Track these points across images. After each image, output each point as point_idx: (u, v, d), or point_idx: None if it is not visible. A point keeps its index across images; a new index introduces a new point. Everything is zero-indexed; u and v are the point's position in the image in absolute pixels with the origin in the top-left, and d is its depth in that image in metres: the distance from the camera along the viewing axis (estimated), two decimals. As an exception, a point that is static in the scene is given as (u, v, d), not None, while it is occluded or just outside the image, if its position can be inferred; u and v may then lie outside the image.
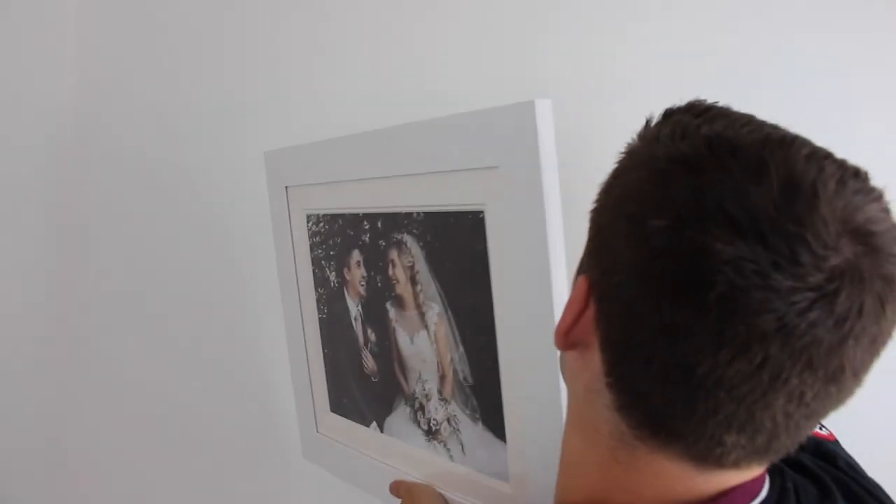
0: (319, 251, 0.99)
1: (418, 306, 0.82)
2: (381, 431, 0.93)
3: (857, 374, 0.38)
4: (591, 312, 0.44)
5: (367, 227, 0.88)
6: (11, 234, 1.53)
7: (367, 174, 0.85)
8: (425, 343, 0.82)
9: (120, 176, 1.54)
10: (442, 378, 0.81)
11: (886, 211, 0.38)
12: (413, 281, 0.82)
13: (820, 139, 0.63)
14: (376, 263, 0.87)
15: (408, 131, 0.77)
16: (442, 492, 0.81)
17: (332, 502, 1.24)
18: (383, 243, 0.85)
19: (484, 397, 0.75)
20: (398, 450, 0.90)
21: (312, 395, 1.06)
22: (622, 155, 0.46)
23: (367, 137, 0.84)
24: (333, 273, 0.96)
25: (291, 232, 1.04)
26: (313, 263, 1.01)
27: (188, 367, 1.47)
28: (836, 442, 0.58)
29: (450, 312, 0.77)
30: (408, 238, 0.81)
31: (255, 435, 1.37)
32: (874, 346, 0.38)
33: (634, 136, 0.46)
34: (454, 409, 0.80)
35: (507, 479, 0.74)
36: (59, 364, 1.63)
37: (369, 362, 0.93)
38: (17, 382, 1.56)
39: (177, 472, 1.52)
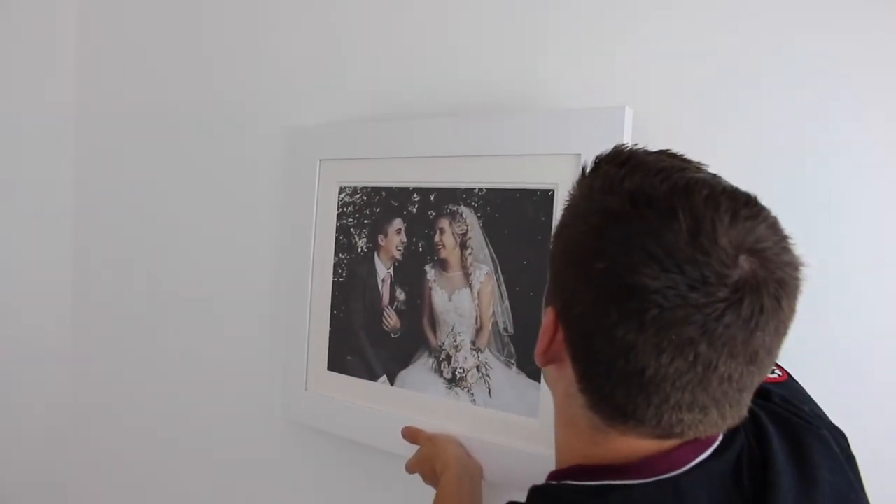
0: (350, 220, 1.09)
1: (464, 267, 0.95)
2: (392, 384, 1.02)
3: (770, 353, 0.48)
4: (560, 336, 0.54)
5: (416, 198, 1.01)
6: (13, 232, 1.52)
7: (432, 153, 0.98)
8: (466, 299, 0.95)
9: (121, 176, 1.54)
10: (479, 330, 0.94)
11: (772, 227, 0.48)
12: (463, 246, 0.95)
13: (820, 139, 0.80)
14: (421, 231, 1.00)
15: (491, 120, 0.93)
16: (460, 434, 0.93)
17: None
18: (433, 213, 0.99)
19: (522, 344, 0.90)
20: (410, 399, 1.00)
21: (307, 357, 1.12)
22: (566, 204, 0.57)
23: (440, 123, 0.98)
24: (364, 239, 1.07)
25: (316, 202, 1.13)
26: (338, 231, 1.10)
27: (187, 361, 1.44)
28: (784, 382, 0.67)
29: (500, 272, 0.92)
30: (464, 209, 0.96)
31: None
32: (779, 332, 0.48)
33: (575, 184, 0.57)
34: (487, 356, 0.93)
35: (536, 415, 0.88)
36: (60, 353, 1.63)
37: (392, 320, 1.03)
38: (18, 383, 1.56)
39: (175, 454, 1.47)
